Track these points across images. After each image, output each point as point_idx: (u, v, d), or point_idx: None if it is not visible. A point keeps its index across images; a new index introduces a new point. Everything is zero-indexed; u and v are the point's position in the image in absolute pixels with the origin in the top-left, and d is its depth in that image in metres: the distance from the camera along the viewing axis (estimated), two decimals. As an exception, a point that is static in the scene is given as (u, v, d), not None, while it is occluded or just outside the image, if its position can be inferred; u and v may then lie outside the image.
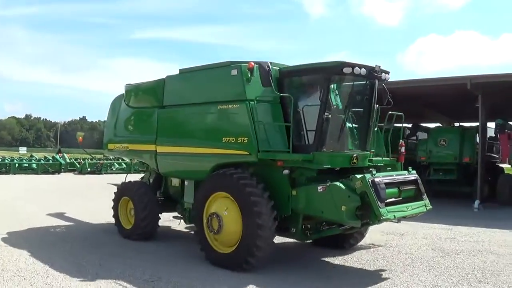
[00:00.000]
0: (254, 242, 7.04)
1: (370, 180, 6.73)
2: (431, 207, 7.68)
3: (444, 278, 7.24)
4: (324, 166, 7.32)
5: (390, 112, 8.10)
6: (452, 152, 18.22)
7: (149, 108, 9.64)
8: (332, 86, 7.69)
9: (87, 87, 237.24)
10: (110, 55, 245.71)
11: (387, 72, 7.67)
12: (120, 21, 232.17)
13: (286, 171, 7.45)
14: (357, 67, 7.14)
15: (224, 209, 7.49)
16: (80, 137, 13.84)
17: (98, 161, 31.59)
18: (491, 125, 18.92)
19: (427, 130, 20.75)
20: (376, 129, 8.26)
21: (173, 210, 9.85)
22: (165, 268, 7.44)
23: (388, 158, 8.44)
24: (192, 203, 8.75)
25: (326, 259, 8.33)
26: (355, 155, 7.66)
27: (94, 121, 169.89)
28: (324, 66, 7.33)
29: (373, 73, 7.44)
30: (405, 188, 7.45)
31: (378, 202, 6.63)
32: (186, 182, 8.99)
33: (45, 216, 12.44)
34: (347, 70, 7.09)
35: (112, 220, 10.18)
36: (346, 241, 8.86)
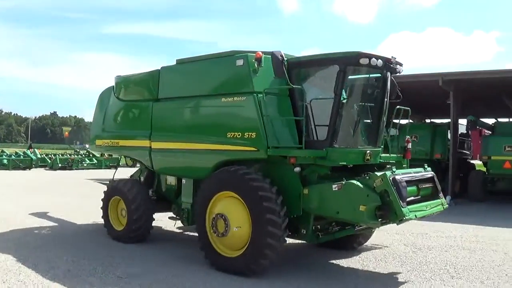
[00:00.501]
0: (265, 241, 6.53)
1: (391, 178, 6.31)
2: (447, 205, 7.35)
3: (417, 274, 7.18)
4: (340, 163, 6.89)
5: (398, 107, 7.73)
6: (423, 148, 18.35)
7: (142, 101, 9.00)
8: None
9: (57, 82, 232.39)
10: (81, 49, 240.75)
11: (401, 64, 7.28)
12: (91, 16, 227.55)
13: (297, 169, 6.96)
14: (373, 58, 6.73)
15: (230, 209, 6.95)
16: (66, 132, 12.99)
17: (69, 156, 31.78)
18: (463, 121, 19.22)
19: (399, 126, 20.65)
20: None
21: (167, 210, 9.27)
22: (146, 266, 7.03)
23: (395, 155, 8.07)
24: (191, 203, 8.22)
25: (333, 261, 7.91)
26: (368, 151, 7.24)
27: (65, 116, 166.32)
28: (339, 57, 6.86)
29: (388, 64, 7.03)
30: (423, 186, 7.07)
31: (400, 201, 6.23)
32: (183, 181, 8.40)
33: (22, 213, 11.79)
34: (364, 61, 6.67)
35: (97, 220, 9.47)
36: (355, 241, 8.47)
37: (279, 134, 6.98)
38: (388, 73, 7.24)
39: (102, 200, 9.47)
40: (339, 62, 6.85)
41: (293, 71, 7.32)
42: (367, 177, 6.58)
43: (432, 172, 7.42)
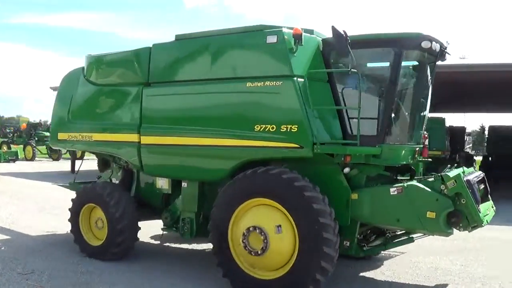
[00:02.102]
0: (317, 264, 5.32)
1: (465, 180, 5.41)
2: (495, 208, 6.63)
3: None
4: (396, 163, 5.91)
5: None
6: None
7: (126, 86, 7.29)
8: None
9: None
10: None
11: (449, 54, 6.39)
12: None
13: (347, 169, 5.83)
14: (434, 42, 5.80)
15: (266, 221, 5.60)
16: (24, 124, 10.60)
17: None
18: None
19: None
20: None
21: (149, 218, 7.71)
22: None
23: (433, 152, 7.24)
24: (195, 212, 6.75)
25: (361, 274, 6.88)
26: (417, 148, 6.30)
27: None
28: (396, 38, 5.79)
29: (443, 51, 6.12)
30: (480, 188, 6.27)
31: (477, 206, 5.38)
32: (184, 184, 6.86)
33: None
34: (425, 44, 5.71)
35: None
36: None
37: (322, 128, 5.78)
38: (438, 61, 6.33)
39: (71, 210, 7.61)
40: (396, 44, 5.79)
41: (333, 53, 6.16)
42: (431, 179, 5.64)
43: (483, 173, 6.65)
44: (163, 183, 7.21)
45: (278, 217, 5.58)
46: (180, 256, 7.82)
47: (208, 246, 8.15)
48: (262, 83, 5.89)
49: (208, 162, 6.38)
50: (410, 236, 6.13)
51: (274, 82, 5.82)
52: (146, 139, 6.89)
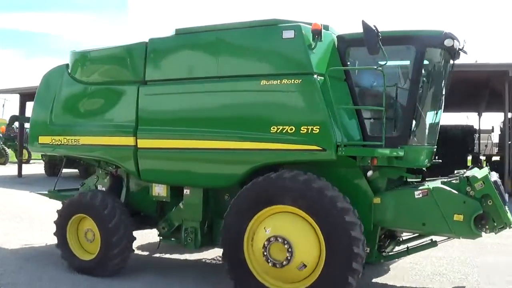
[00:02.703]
0: (345, 280, 5.01)
1: (492, 181, 5.25)
2: None
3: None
4: (419, 165, 5.70)
5: None
6: None
7: (119, 85, 6.69)
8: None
9: None
10: None
11: (466, 52, 6.22)
12: None
13: (370, 172, 5.53)
14: (456, 40, 5.62)
15: (290, 230, 5.22)
16: (3, 127, 9.59)
17: None
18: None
19: None
20: None
21: (141, 228, 7.15)
22: None
23: None
24: (200, 221, 6.27)
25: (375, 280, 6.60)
26: (434, 150, 6.11)
27: None
28: (419, 35, 5.54)
29: (459, 49, 5.95)
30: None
31: (504, 207, 5.24)
32: (186, 191, 6.34)
33: None
34: (448, 42, 5.52)
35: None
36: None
37: (344, 129, 5.45)
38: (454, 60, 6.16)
39: (56, 222, 6.90)
40: (418, 41, 5.54)
41: (349, 49, 5.86)
42: (456, 180, 5.45)
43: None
44: (160, 190, 6.64)
45: (302, 226, 5.22)
46: (179, 267, 7.26)
47: (203, 255, 7.72)
48: (279, 81, 5.50)
49: (218, 167, 5.90)
50: (433, 240, 5.90)
51: (293, 80, 5.44)
52: (144, 143, 6.32)
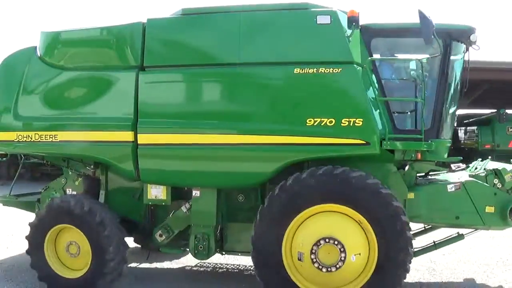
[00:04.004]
0: (395, 275, 4.80)
1: None
2: None
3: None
4: (444, 158, 5.65)
5: None
6: None
7: (109, 70, 5.72)
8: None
9: None
10: None
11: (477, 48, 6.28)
12: None
13: (408, 167, 5.38)
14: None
15: (340, 230, 4.83)
16: None
17: None
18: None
19: None
20: None
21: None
22: None
23: None
24: (213, 226, 5.62)
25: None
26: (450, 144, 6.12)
27: None
28: (447, 28, 5.43)
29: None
30: None
31: None
32: (196, 193, 5.62)
33: None
34: (473, 37, 5.49)
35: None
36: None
37: (381, 121, 5.19)
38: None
39: (30, 237, 5.75)
40: (446, 35, 5.45)
41: (375, 40, 5.60)
42: (483, 173, 5.53)
43: None
44: (158, 193, 5.80)
45: (350, 225, 4.88)
46: (185, 277, 6.52)
47: (192, 262, 6.98)
48: (315, 69, 5.06)
49: (241, 165, 5.28)
50: (460, 233, 5.89)
51: (331, 69, 5.04)
52: (145, 138, 5.46)
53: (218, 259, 7.07)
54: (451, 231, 5.90)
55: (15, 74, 6.07)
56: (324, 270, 4.78)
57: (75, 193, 6.35)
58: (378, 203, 4.80)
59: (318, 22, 5.13)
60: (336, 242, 4.75)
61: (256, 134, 5.14)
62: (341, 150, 5.03)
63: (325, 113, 5.02)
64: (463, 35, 5.51)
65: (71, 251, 5.69)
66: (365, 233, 4.86)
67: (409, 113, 5.48)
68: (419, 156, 5.19)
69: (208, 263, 6.96)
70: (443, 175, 6.14)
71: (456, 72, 6.01)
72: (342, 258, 4.73)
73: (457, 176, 5.88)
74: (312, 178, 4.89)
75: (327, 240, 4.77)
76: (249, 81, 5.27)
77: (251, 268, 6.08)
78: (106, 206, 5.88)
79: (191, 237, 5.67)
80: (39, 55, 5.99)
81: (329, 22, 5.10)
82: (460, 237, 5.86)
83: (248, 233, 5.77)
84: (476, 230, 5.82)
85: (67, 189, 6.41)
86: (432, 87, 5.51)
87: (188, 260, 7.11)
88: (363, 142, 4.96)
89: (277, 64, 5.21)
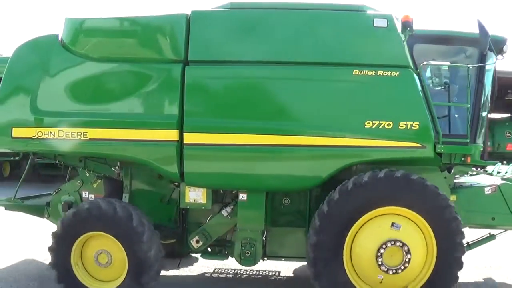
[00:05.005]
0: (452, 272, 4.96)
1: None
2: None
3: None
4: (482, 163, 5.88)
5: None
6: None
7: (148, 63, 5.33)
8: None
9: None
10: None
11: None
12: None
13: (453, 171, 5.55)
14: None
15: (406, 233, 4.87)
16: None
17: None
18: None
19: None
20: None
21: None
22: None
23: None
24: (261, 230, 5.45)
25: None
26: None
27: None
28: (472, 37, 5.62)
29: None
30: None
31: None
32: (243, 197, 5.37)
33: None
34: (506, 48, 5.76)
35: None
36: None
37: (433, 125, 5.31)
38: None
39: (53, 248, 5.18)
40: (482, 44, 5.66)
41: (418, 45, 5.71)
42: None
43: None
44: (197, 196, 5.48)
45: (411, 227, 4.94)
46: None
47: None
48: (374, 72, 5.07)
49: (297, 167, 5.13)
50: (492, 234, 6.15)
51: (390, 72, 5.08)
52: (191, 137, 5.14)
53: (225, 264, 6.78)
54: (483, 232, 6.14)
55: (32, 64, 5.48)
56: (390, 272, 4.78)
57: (92, 196, 5.86)
58: (436, 205, 4.90)
59: (375, 25, 5.15)
60: (401, 244, 4.79)
61: (313, 135, 5.04)
62: (398, 153, 5.07)
63: (383, 115, 5.04)
64: (497, 45, 5.79)
65: (101, 261, 5.21)
66: (423, 234, 4.95)
67: (457, 117, 5.64)
68: (469, 159, 5.36)
69: (227, 269, 6.69)
70: (464, 178, 6.41)
71: (489, 80, 6.31)
72: (407, 260, 4.78)
73: (476, 179, 6.17)
74: (373, 182, 4.89)
75: (392, 242, 4.79)
76: (306, 81, 5.16)
77: (270, 273, 5.97)
78: (139, 209, 5.43)
79: (236, 243, 5.44)
80: (63, 44, 5.43)
81: (386, 26, 5.14)
82: (491, 237, 6.13)
83: (291, 238, 5.69)
84: (506, 230, 6.13)
85: (83, 192, 5.90)
86: (463, 94, 5.71)
87: (203, 266, 6.77)
88: (419, 145, 5.04)
89: (336, 65, 5.15)
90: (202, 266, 6.82)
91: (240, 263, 5.48)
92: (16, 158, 6.40)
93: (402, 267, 4.80)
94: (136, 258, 5.08)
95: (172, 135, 5.13)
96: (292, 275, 6.67)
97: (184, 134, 5.11)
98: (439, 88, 5.93)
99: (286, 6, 5.37)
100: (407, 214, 4.93)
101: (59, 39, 5.48)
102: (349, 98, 5.13)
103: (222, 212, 5.57)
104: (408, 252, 4.79)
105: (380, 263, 4.80)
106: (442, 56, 6.12)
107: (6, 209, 6.16)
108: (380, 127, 5.02)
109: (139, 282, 5.08)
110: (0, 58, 6.61)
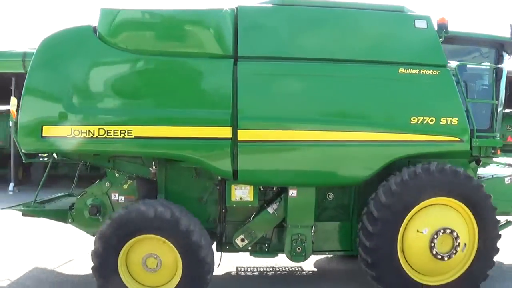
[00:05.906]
0: (490, 258, 5.41)
1: None
2: None
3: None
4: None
5: None
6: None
7: (195, 57, 5.12)
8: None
9: None
10: None
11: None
12: None
13: (480, 163, 5.96)
14: None
15: (453, 221, 5.22)
16: (13, 110, 5.12)
17: None
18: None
19: None
20: None
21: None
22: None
23: None
24: (311, 226, 5.52)
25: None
26: None
27: None
28: (502, 40, 6.11)
29: None
30: None
31: None
32: (293, 193, 5.36)
33: None
34: None
35: None
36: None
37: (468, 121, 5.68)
38: None
39: (99, 253, 4.81)
40: (500, 46, 6.12)
41: (444, 46, 6.01)
42: None
43: None
44: (243, 194, 5.38)
45: (457, 216, 5.31)
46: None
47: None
48: (417, 70, 5.33)
49: (347, 162, 5.23)
50: (509, 220, 6.67)
51: (431, 71, 5.37)
52: (246, 134, 5.03)
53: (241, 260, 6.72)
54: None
55: (64, 56, 5.00)
56: (445, 259, 5.10)
57: (123, 198, 5.53)
58: (480, 196, 5.31)
59: (416, 26, 5.40)
60: (451, 232, 5.11)
61: (363, 131, 5.18)
62: (440, 147, 5.37)
63: (427, 112, 5.30)
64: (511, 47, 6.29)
65: (150, 265, 4.92)
66: (466, 223, 5.32)
67: (484, 113, 6.07)
68: (498, 151, 5.83)
69: (250, 266, 6.61)
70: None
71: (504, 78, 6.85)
72: (456, 247, 5.12)
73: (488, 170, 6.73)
74: (426, 173, 5.15)
75: (444, 230, 5.09)
76: (356, 78, 5.27)
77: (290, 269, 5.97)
78: (186, 210, 5.19)
79: (287, 239, 5.42)
80: (100, 36, 5.02)
81: (426, 27, 5.42)
82: (509, 223, 6.67)
83: (336, 232, 5.80)
84: None
85: (112, 194, 5.53)
86: (488, 91, 6.20)
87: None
88: (458, 139, 5.39)
89: (384, 63, 5.32)
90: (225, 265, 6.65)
91: (291, 259, 5.48)
92: (45, 158, 5.76)
93: (448, 255, 5.12)
94: (191, 261, 4.86)
95: (225, 132, 4.98)
96: (315, 269, 6.78)
97: (238, 131, 4.99)
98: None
99: (331, 4, 5.43)
100: (453, 205, 5.26)
101: (94, 30, 5.06)
102: (396, 95, 5.33)
103: (268, 209, 5.51)
104: (457, 239, 5.13)
105: (432, 248, 5.10)
106: (456, 55, 6.54)
107: (24, 215, 5.53)
108: (424, 122, 5.29)
109: (195, 286, 4.88)
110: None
